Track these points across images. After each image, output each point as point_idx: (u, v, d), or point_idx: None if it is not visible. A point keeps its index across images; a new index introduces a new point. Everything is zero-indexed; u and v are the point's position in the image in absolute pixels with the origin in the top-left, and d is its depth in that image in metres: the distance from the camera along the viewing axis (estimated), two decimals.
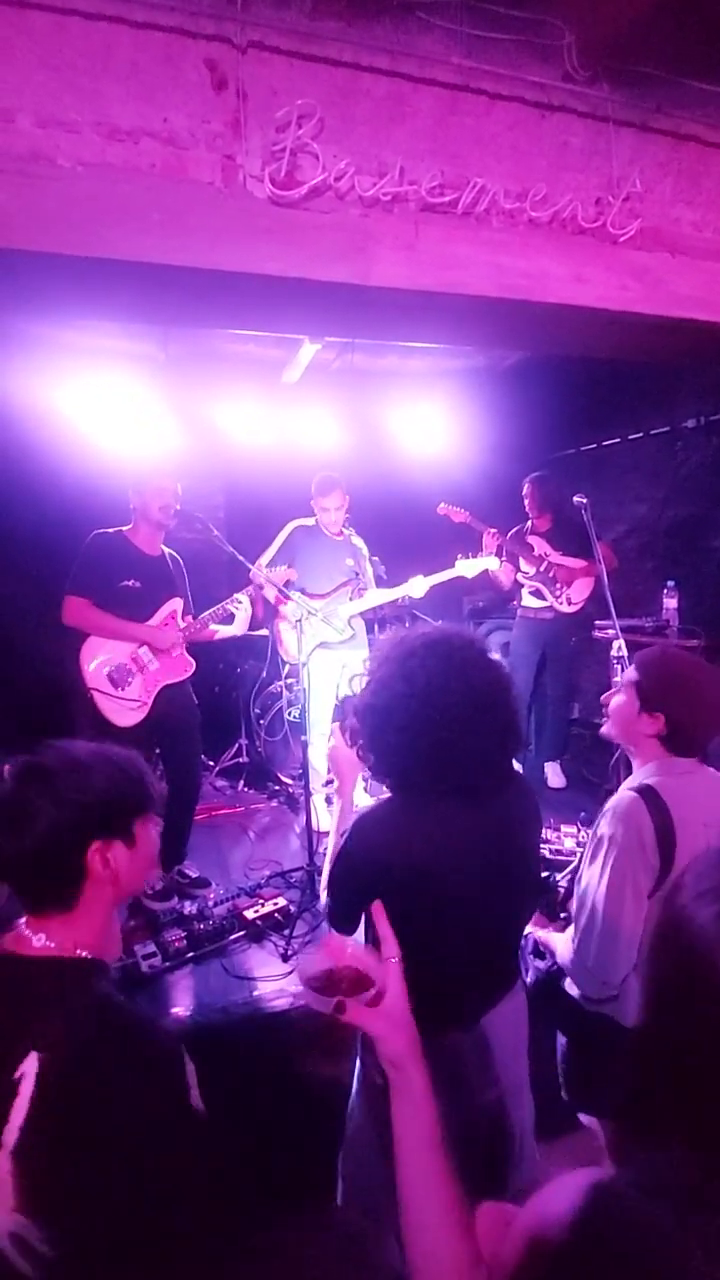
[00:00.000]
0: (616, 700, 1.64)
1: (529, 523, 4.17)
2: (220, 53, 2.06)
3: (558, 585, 3.98)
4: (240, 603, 2.96)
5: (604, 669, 3.25)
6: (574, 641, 4.21)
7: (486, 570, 3.72)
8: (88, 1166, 0.77)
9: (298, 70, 2.14)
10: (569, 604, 3.98)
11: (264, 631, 3.76)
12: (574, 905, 1.59)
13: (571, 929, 1.58)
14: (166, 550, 2.98)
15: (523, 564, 4.06)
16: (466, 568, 3.60)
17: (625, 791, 1.54)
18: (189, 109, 2.08)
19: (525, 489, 4.13)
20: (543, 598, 4.04)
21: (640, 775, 1.58)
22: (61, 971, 0.89)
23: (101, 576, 2.72)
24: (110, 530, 2.84)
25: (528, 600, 4.12)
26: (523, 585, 4.09)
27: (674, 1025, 0.58)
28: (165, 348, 4.30)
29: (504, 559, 3.95)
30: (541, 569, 4.02)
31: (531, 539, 4.10)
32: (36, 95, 1.94)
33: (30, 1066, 0.78)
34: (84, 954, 0.92)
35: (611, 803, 1.54)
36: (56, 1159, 0.76)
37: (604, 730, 1.71)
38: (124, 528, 2.87)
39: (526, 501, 4.12)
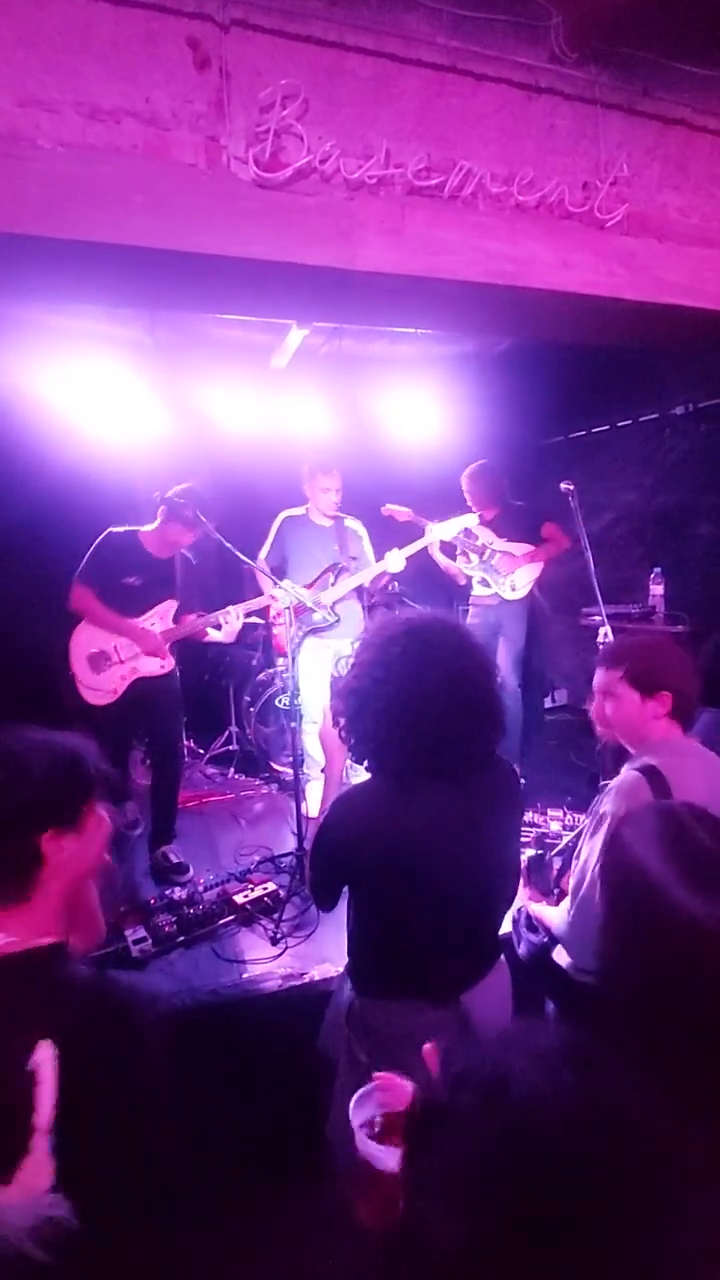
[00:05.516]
0: (610, 706, 1.64)
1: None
2: (202, 31, 2.03)
3: (499, 575, 4.00)
4: (229, 615, 3.10)
5: (591, 655, 3.27)
6: (526, 626, 4.17)
7: (445, 568, 3.80)
8: (115, 1137, 0.81)
9: (282, 50, 2.11)
10: (512, 590, 4.00)
11: (255, 619, 3.76)
12: (570, 879, 1.62)
13: (567, 902, 1.62)
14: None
15: (469, 555, 4.06)
16: (441, 530, 3.61)
17: (628, 771, 1.57)
18: (171, 89, 2.05)
19: (465, 484, 4.05)
20: (489, 586, 4.06)
21: (641, 757, 1.60)
22: (32, 962, 0.90)
23: (105, 571, 2.92)
24: (124, 529, 2.98)
25: (477, 590, 4.15)
26: (471, 576, 4.12)
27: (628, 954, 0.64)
28: (152, 332, 4.25)
29: (450, 552, 3.99)
30: (484, 558, 4.03)
31: (477, 529, 4.10)
32: (16, 74, 1.91)
33: (45, 1054, 0.80)
34: (47, 940, 0.92)
35: (615, 781, 1.58)
36: (90, 1134, 0.80)
37: (607, 737, 1.71)
38: (142, 528, 2.99)
39: (467, 496, 4.06)
